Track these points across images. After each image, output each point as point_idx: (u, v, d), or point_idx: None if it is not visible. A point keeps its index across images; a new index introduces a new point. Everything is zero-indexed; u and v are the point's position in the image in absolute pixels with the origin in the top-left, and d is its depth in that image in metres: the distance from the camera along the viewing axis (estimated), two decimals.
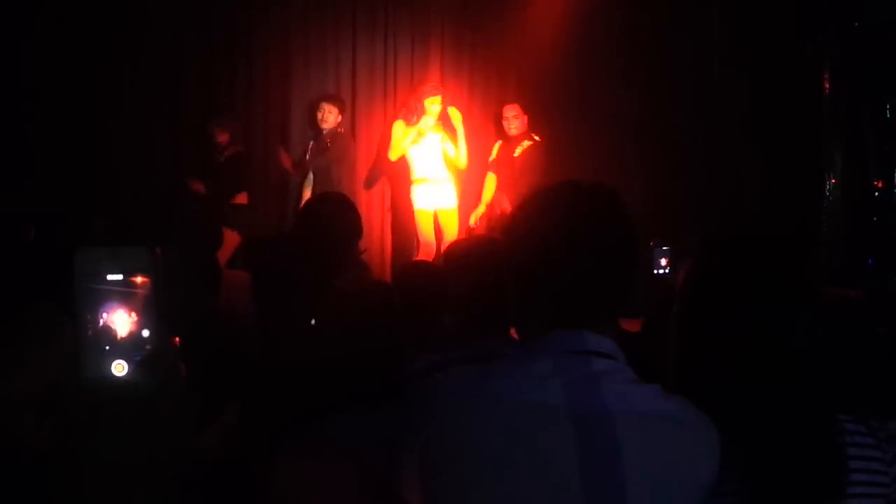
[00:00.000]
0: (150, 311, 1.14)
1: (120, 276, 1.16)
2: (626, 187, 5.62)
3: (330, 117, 5.82)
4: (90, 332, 1.14)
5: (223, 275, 3.04)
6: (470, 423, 1.12)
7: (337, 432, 1.61)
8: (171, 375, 1.16)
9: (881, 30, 5.95)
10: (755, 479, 1.18)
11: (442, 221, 5.97)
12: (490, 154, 6.30)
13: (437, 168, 5.95)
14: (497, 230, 5.46)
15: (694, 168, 6.43)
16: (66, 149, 5.46)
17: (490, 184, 6.20)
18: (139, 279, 1.15)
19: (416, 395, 1.24)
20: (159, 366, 1.14)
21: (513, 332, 1.53)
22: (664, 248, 3.99)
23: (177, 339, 1.20)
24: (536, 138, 6.06)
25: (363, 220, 3.01)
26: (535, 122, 6.23)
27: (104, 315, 1.14)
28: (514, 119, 6.05)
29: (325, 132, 5.84)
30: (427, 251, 5.91)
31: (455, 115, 5.91)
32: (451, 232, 5.94)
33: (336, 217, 2.78)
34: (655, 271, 3.99)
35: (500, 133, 6.28)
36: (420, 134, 5.80)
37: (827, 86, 6.22)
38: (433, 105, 5.82)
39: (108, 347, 1.15)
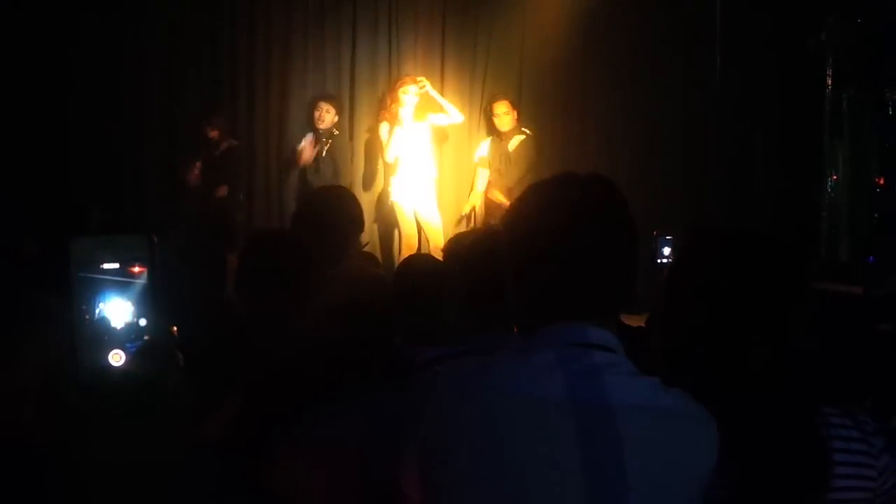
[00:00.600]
0: (147, 300, 1.14)
1: (116, 266, 1.15)
2: (625, 182, 5.65)
3: (327, 116, 5.89)
4: (87, 322, 1.13)
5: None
6: (470, 415, 1.12)
7: (334, 424, 1.61)
8: (168, 365, 1.15)
9: (882, 26, 5.94)
10: (741, 472, 1.18)
11: (423, 215, 5.96)
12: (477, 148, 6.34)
13: (423, 162, 5.95)
14: (495, 222, 5.46)
15: (695, 163, 6.42)
16: (65, 141, 5.46)
17: (480, 176, 6.22)
18: (136, 268, 1.14)
19: (415, 387, 1.23)
20: (157, 356, 1.14)
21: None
22: (667, 237, 3.99)
23: (175, 328, 1.20)
24: (528, 132, 6.08)
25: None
26: (535, 118, 6.22)
27: (100, 305, 1.14)
28: (505, 115, 6.11)
29: (321, 131, 5.90)
30: (409, 243, 5.93)
31: (422, 81, 5.93)
32: (432, 225, 5.94)
33: (338, 208, 2.77)
34: (658, 261, 4.00)
35: (491, 129, 6.30)
36: (398, 123, 5.81)
37: (829, 82, 6.21)
38: (405, 94, 5.84)
39: (105, 337, 1.14)
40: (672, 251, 3.92)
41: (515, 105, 6.17)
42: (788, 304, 1.31)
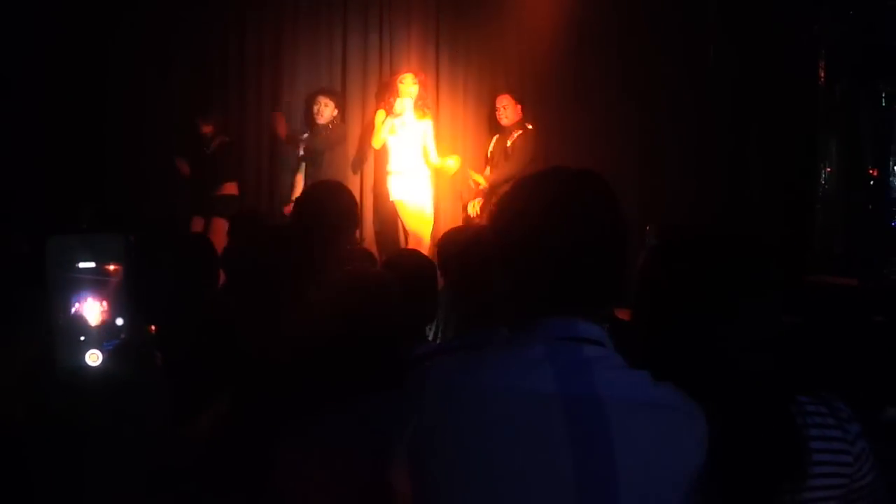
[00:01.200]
0: (123, 299, 1.12)
1: (92, 264, 1.13)
2: (621, 176, 5.63)
3: (326, 111, 5.88)
4: (62, 321, 1.12)
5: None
6: (459, 411, 1.12)
7: (339, 425, 1.59)
8: (145, 364, 1.14)
9: (876, 17, 5.94)
10: (718, 463, 1.17)
11: (410, 213, 5.93)
12: (487, 148, 6.30)
13: (413, 160, 5.92)
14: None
15: (688, 157, 6.41)
16: (56, 137, 5.45)
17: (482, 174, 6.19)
18: (111, 267, 1.13)
19: (404, 384, 1.22)
20: (134, 355, 1.12)
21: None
22: (654, 237, 4.00)
23: (153, 327, 1.18)
24: (529, 127, 6.06)
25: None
26: (531, 113, 6.21)
27: (77, 303, 1.12)
28: (505, 109, 6.07)
29: (320, 125, 5.90)
30: (414, 241, 5.91)
31: (420, 76, 5.95)
32: (418, 225, 5.91)
33: (333, 202, 2.76)
34: None
35: (496, 126, 6.27)
36: (395, 115, 5.79)
37: (822, 74, 6.21)
38: (405, 86, 5.82)
39: (81, 336, 1.12)
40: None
41: (519, 100, 6.12)
42: (754, 300, 1.30)
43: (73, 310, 1.13)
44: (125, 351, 1.11)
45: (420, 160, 5.95)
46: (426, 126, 5.96)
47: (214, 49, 6.09)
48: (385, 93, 6.00)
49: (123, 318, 1.13)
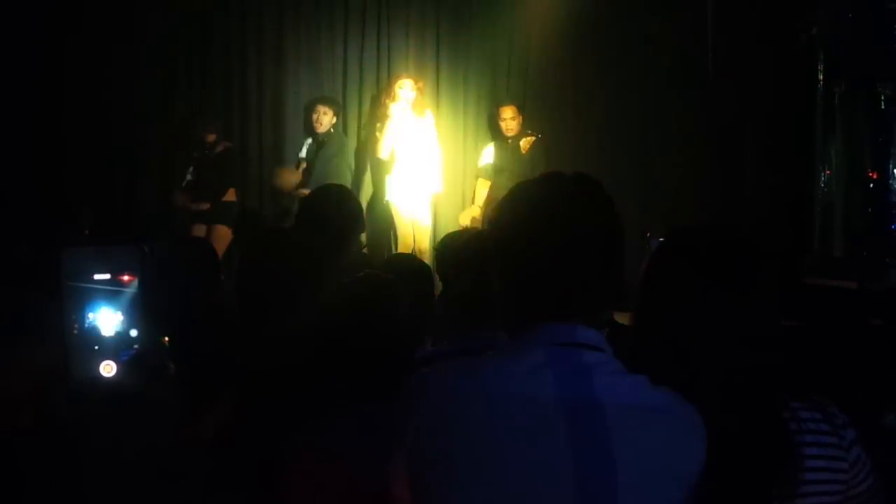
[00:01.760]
0: (138, 310, 1.14)
1: (107, 276, 1.15)
2: (619, 180, 5.64)
3: (325, 119, 5.91)
4: (76, 332, 1.13)
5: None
6: (459, 416, 1.12)
7: (348, 429, 1.59)
8: (159, 376, 1.15)
9: (874, 19, 5.94)
10: (710, 469, 1.17)
11: (409, 219, 5.95)
12: (480, 156, 6.30)
13: (418, 161, 5.92)
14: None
15: (688, 160, 6.42)
16: (57, 143, 5.46)
17: (482, 186, 6.17)
18: (126, 278, 1.14)
19: (403, 389, 1.22)
20: (147, 366, 1.13)
21: None
22: (660, 238, 4.00)
23: (166, 339, 1.19)
24: (539, 135, 6.08)
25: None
26: (531, 120, 6.23)
27: (91, 315, 1.14)
28: (512, 121, 6.07)
29: (320, 134, 5.92)
30: (406, 243, 5.92)
31: (420, 81, 5.95)
32: (421, 226, 5.93)
33: (338, 207, 2.76)
34: None
35: (496, 135, 6.27)
36: (389, 117, 5.80)
37: (821, 77, 6.21)
38: (401, 89, 5.83)
39: (95, 347, 1.14)
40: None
41: (521, 109, 6.14)
42: (752, 302, 1.31)
43: (87, 321, 1.15)
44: (140, 362, 1.12)
45: (419, 166, 5.94)
46: (426, 130, 5.95)
47: (214, 55, 6.09)
48: (384, 98, 5.99)
49: (138, 329, 1.14)
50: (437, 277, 2.48)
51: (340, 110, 6.10)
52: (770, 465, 1.23)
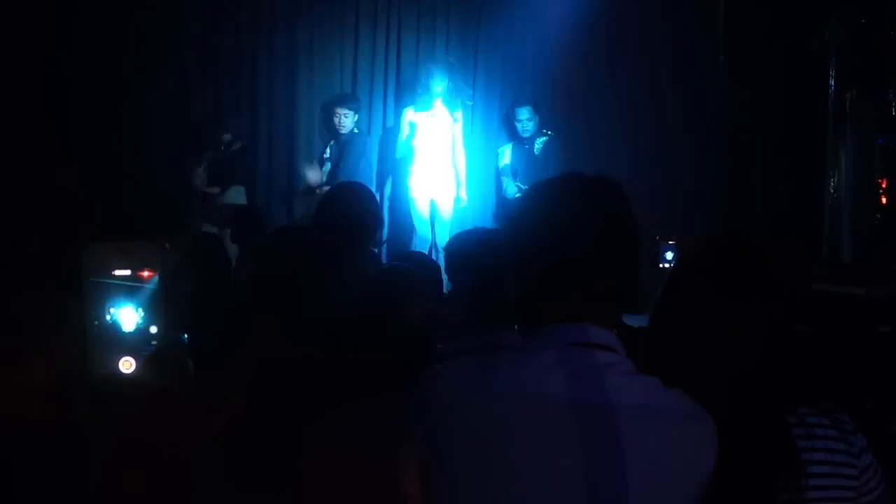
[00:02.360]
0: (158, 306, 1.15)
1: (128, 272, 1.16)
2: (632, 183, 5.64)
3: (347, 122, 5.88)
4: (97, 328, 1.14)
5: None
6: (471, 414, 1.12)
7: (366, 424, 1.59)
8: (179, 373, 1.16)
9: (886, 26, 5.93)
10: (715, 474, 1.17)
11: (437, 210, 5.93)
12: (497, 155, 6.30)
13: (439, 155, 5.89)
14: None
15: (699, 165, 6.41)
16: (69, 140, 5.48)
17: (507, 185, 6.15)
18: (146, 274, 1.15)
19: (415, 386, 1.22)
20: (167, 363, 1.14)
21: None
22: (670, 242, 4.01)
23: (186, 335, 1.20)
24: (551, 133, 6.07)
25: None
26: (543, 118, 6.21)
27: (111, 310, 1.15)
28: (529, 122, 6.07)
29: (343, 136, 5.92)
30: (422, 241, 5.91)
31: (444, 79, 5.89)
32: (445, 222, 5.91)
33: (357, 204, 2.76)
34: (661, 265, 4.01)
35: (512, 135, 6.27)
36: (423, 113, 5.78)
37: (831, 83, 6.20)
38: (434, 81, 5.80)
39: (115, 343, 1.15)
40: (674, 255, 3.94)
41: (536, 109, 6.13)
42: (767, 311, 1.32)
43: (108, 317, 1.16)
44: (159, 359, 1.13)
45: (447, 160, 5.91)
46: (455, 125, 5.91)
47: (228, 53, 6.07)
48: (413, 90, 5.95)
49: (157, 325, 1.15)
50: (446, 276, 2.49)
51: (360, 108, 6.04)
52: (771, 471, 1.22)
